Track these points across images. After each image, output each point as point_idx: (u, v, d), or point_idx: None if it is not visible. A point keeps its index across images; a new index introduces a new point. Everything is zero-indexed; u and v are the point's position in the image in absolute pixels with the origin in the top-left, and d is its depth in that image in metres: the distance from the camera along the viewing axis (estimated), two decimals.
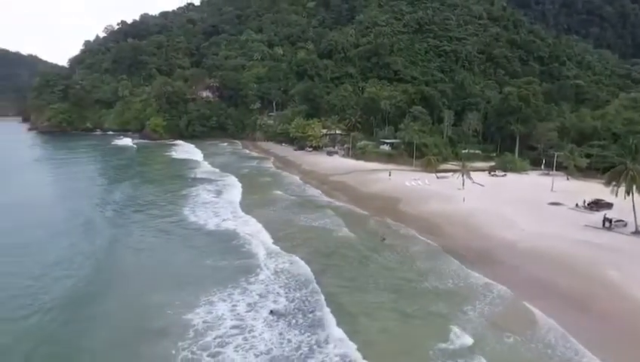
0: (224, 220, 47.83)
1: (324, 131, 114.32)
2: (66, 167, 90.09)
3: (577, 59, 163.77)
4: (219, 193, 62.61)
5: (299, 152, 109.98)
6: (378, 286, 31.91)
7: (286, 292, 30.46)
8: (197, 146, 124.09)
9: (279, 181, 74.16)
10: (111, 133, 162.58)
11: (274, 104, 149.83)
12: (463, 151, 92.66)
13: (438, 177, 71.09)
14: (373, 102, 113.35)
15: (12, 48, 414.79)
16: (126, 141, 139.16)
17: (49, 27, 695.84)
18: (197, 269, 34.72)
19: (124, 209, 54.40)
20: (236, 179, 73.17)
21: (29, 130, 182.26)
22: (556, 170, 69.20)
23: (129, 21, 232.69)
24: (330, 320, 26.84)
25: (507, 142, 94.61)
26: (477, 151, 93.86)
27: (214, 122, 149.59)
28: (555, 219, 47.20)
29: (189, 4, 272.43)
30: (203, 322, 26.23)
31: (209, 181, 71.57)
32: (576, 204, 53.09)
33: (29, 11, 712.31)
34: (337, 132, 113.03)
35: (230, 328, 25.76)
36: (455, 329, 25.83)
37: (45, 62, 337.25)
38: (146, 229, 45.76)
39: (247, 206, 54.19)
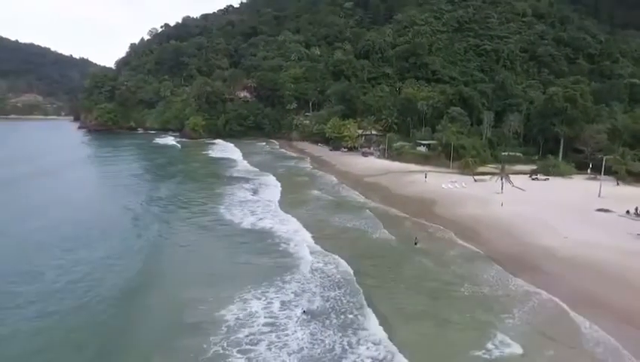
0: (261, 219, 48.16)
1: (360, 132, 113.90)
2: (113, 165, 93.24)
3: (635, 55, 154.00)
4: (257, 191, 63.49)
5: (334, 152, 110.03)
6: (416, 288, 31.34)
7: (321, 292, 30.38)
8: (235, 145, 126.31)
9: (316, 181, 74.41)
10: (153, 131, 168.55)
11: (310, 104, 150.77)
12: (503, 153, 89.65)
13: (475, 180, 69.00)
14: (410, 102, 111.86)
15: (65, 52, 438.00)
16: (168, 140, 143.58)
17: (99, 31, 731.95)
18: (234, 266, 35.28)
19: (168, 205, 55.60)
20: (274, 178, 74.12)
21: (79, 128, 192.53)
22: (605, 174, 65.45)
23: (172, 24, 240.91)
24: (368, 320, 26.60)
25: (550, 145, 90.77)
26: (517, 154, 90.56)
27: (251, 122, 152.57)
28: (603, 226, 44.46)
29: (229, 6, 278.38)
30: (236, 319, 26.54)
31: (248, 180, 72.45)
32: (627, 211, 50.09)
33: (80, 16, 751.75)
34: (373, 132, 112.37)
35: (262, 325, 26.01)
36: (501, 336, 24.93)
37: (95, 64, 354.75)
38: (188, 226, 46.70)
39: (286, 205, 54.68)
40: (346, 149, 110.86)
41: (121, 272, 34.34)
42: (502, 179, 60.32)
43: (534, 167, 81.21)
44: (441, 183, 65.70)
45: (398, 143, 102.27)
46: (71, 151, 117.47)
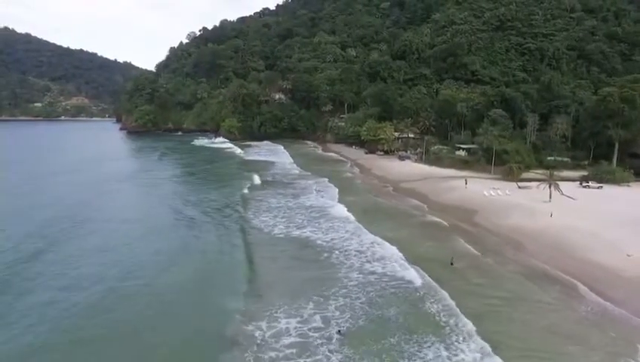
0: (300, 228, 46.93)
1: (397, 134, 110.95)
2: (170, 169, 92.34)
3: None
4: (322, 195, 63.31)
5: (369, 156, 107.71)
6: (465, 313, 28.52)
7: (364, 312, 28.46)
8: (275, 148, 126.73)
9: (355, 185, 72.82)
10: (197, 133, 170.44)
11: (345, 106, 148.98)
12: (549, 158, 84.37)
13: (519, 187, 64.82)
14: (449, 104, 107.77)
15: (111, 57, 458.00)
16: (224, 143, 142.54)
17: (142, 36, 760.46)
18: (279, 275, 34.41)
19: (225, 208, 55.38)
20: (327, 179, 74.67)
21: (120, 129, 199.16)
22: None
23: (210, 27, 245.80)
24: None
25: (602, 150, 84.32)
26: (565, 159, 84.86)
27: (286, 123, 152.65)
28: None
29: (265, 8, 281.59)
30: (268, 335, 25.46)
31: (301, 184, 71.88)
32: None
33: (125, 22, 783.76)
34: (410, 135, 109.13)
35: (289, 346, 24.59)
36: None
37: (137, 67, 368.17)
38: (235, 231, 46.05)
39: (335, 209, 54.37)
40: (381, 152, 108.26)
41: (161, 276, 34.72)
42: (550, 187, 55.99)
43: (584, 173, 75.64)
44: (482, 190, 61.83)
45: (436, 147, 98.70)
46: (123, 165, 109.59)
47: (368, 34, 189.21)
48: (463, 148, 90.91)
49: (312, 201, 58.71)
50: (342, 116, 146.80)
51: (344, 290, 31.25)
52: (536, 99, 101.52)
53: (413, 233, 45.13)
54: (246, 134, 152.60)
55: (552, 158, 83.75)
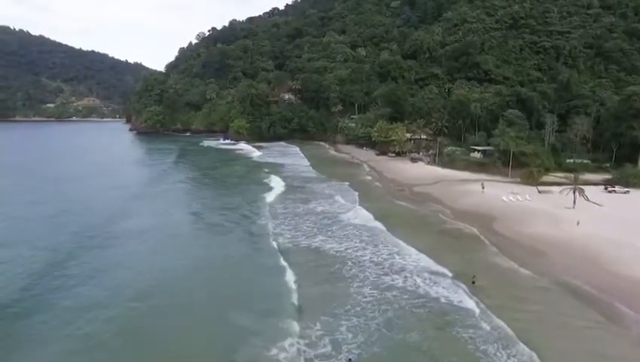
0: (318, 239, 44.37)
1: (409, 136, 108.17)
2: (188, 174, 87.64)
3: None
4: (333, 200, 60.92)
5: (381, 157, 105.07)
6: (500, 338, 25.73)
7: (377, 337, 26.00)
8: (288, 150, 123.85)
9: (375, 190, 70.26)
10: (205, 133, 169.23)
11: (356, 106, 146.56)
12: (568, 160, 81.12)
13: (540, 191, 61.80)
14: (462, 104, 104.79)
15: (121, 58, 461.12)
16: (234, 145, 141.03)
17: (152, 37, 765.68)
18: (300, 291, 31.89)
19: (251, 217, 52.62)
20: (347, 183, 72.01)
21: (130, 130, 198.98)
22: None
23: (219, 28, 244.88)
24: None
25: (625, 151, 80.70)
26: (585, 161, 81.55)
27: (295, 124, 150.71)
28: None
29: (274, 8, 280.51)
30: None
31: (322, 189, 68.82)
32: None
33: (135, 23, 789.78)
34: (422, 137, 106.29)
35: None
36: None
37: (147, 68, 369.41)
38: (263, 241, 43.60)
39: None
40: (393, 154, 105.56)
41: (177, 288, 33.21)
42: (574, 192, 52.86)
43: (607, 176, 72.30)
44: (500, 195, 59.03)
45: (449, 148, 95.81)
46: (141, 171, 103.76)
47: (378, 33, 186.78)
48: (478, 150, 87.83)
49: (336, 208, 55.75)
50: (352, 117, 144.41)
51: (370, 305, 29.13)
52: (553, 99, 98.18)
53: (432, 242, 42.44)
54: (255, 135, 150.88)
55: (572, 161, 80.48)
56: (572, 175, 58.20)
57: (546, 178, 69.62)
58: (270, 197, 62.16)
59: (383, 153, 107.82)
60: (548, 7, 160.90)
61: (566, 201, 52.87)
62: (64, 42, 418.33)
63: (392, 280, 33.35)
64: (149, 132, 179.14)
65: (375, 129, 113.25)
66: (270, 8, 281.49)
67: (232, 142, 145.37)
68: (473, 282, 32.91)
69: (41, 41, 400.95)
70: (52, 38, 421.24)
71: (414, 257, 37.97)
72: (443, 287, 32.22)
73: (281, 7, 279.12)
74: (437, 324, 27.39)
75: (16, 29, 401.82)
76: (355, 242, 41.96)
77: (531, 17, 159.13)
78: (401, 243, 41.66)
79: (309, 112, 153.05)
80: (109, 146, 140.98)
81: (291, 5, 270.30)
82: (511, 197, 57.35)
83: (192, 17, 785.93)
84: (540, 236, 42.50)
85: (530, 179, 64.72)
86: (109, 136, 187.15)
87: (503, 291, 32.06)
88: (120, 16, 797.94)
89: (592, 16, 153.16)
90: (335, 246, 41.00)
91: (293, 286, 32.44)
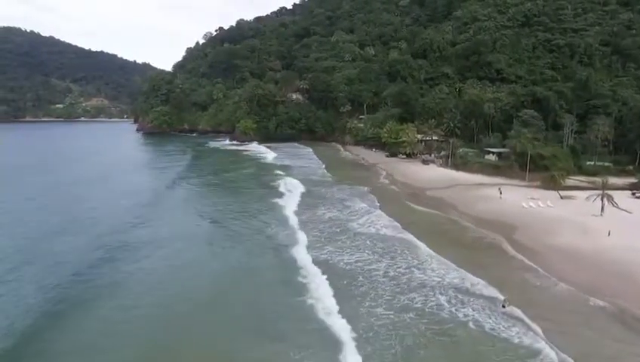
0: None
1: (419, 137, 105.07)
2: (203, 179, 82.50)
3: None
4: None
5: (391, 159, 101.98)
6: None
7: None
8: (300, 152, 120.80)
9: (395, 195, 66.78)
10: (212, 134, 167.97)
11: (365, 106, 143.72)
12: (588, 163, 77.62)
13: (562, 197, 58.64)
14: (475, 105, 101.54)
15: (130, 58, 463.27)
16: (246, 146, 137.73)
17: (161, 37, 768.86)
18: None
19: (275, 225, 49.24)
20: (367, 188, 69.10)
21: (137, 130, 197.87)
22: None
23: (227, 27, 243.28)
24: None
25: None
26: (606, 164, 77.94)
27: (303, 125, 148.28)
28: None
29: (282, 8, 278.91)
30: None
31: (342, 195, 64.68)
32: None
33: (144, 24, 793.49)
34: (434, 138, 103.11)
35: None
36: None
37: (155, 68, 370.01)
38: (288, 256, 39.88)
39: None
40: (404, 156, 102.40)
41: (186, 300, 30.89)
42: (602, 199, 49.40)
43: (632, 180, 68.59)
44: (519, 200, 55.82)
45: (461, 150, 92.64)
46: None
47: (387, 32, 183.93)
48: (493, 152, 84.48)
49: (362, 216, 52.42)
50: (361, 117, 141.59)
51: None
52: (571, 98, 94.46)
53: (452, 253, 39.21)
54: (262, 135, 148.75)
55: (592, 163, 76.98)
56: (598, 179, 54.74)
57: (566, 182, 66.11)
58: (292, 203, 58.46)
59: (393, 155, 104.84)
60: (562, 3, 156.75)
61: (591, 208, 49.43)
62: (74, 43, 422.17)
63: (410, 299, 30.25)
64: (155, 132, 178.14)
65: (385, 130, 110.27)
66: (278, 8, 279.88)
67: (238, 143, 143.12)
68: (504, 306, 29.26)
69: (52, 41, 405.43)
70: (62, 39, 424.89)
71: (438, 272, 34.73)
72: (472, 309, 28.76)
73: (289, 6, 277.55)
74: (467, 357, 24.14)
75: (27, 31, 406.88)
76: (368, 254, 39.23)
77: (544, 15, 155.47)
78: (421, 254, 38.88)
79: (316, 112, 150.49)
80: (115, 148, 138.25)
81: (299, 4, 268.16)
82: (531, 203, 54.09)
83: (200, 17, 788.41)
84: (569, 248, 39.14)
85: (552, 184, 61.21)
86: (116, 136, 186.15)
87: (539, 314, 28.35)
88: (128, 17, 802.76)
89: (608, 13, 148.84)
90: (346, 257, 38.37)
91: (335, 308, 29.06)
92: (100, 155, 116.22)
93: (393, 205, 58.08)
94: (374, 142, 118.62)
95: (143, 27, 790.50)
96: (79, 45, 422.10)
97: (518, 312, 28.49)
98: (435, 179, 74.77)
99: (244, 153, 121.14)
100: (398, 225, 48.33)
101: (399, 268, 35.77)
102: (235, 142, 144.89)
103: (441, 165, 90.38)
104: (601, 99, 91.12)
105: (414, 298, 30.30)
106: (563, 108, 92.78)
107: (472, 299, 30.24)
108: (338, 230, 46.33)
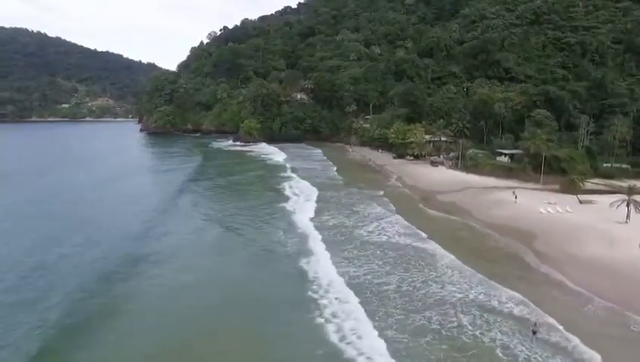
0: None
1: (427, 137, 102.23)
2: (214, 186, 75.67)
3: None
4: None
5: (398, 161, 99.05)
6: None
7: None
8: (309, 153, 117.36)
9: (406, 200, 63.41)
10: (216, 134, 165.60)
11: (370, 106, 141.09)
12: (605, 165, 74.58)
13: (581, 201, 55.73)
14: (485, 104, 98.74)
15: (135, 58, 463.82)
16: (252, 146, 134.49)
17: (166, 37, 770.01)
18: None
19: (296, 235, 45.34)
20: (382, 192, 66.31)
21: (141, 130, 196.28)
22: None
23: (231, 27, 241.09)
24: None
25: None
26: (624, 166, 74.90)
27: (308, 125, 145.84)
28: None
29: (287, 7, 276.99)
30: None
31: (360, 201, 61.18)
32: None
33: (150, 24, 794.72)
34: (442, 139, 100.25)
35: None
36: None
37: (160, 68, 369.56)
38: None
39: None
40: (411, 157, 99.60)
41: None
42: (629, 206, 46.27)
43: None
44: (535, 205, 52.84)
45: (471, 151, 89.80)
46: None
47: (393, 31, 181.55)
48: (505, 154, 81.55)
49: (372, 222, 49.46)
50: (366, 117, 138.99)
51: None
52: (585, 98, 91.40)
53: (472, 264, 36.39)
54: (266, 136, 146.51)
55: (609, 165, 73.96)
56: (616, 182, 51.81)
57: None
58: (308, 209, 54.86)
59: (401, 156, 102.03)
60: (572, 1, 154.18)
61: (614, 214, 46.32)
62: (80, 43, 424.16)
63: (426, 319, 27.25)
64: (159, 132, 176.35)
65: (392, 130, 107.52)
66: (283, 7, 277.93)
67: (243, 143, 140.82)
68: (534, 332, 25.14)
69: (58, 42, 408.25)
70: (68, 39, 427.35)
71: (458, 286, 31.62)
72: (500, 332, 25.45)
73: (294, 5, 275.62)
74: None
75: (34, 31, 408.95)
76: (377, 265, 36.54)
77: (554, 12, 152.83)
78: (439, 265, 36.12)
79: (321, 112, 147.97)
80: (115, 150, 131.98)
81: (304, 3, 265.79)
82: (549, 209, 51.09)
83: (205, 18, 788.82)
84: (596, 260, 35.83)
85: (572, 188, 57.96)
86: (117, 137, 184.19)
87: (582, 338, 24.58)
88: (134, 18, 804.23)
89: (620, 10, 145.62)
90: (352, 269, 35.65)
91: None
92: (99, 159, 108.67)
93: (408, 210, 55.23)
94: (380, 143, 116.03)
95: (148, 27, 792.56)
96: (85, 45, 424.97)
97: (556, 337, 25.07)
98: (446, 182, 71.87)
99: (251, 154, 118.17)
100: (417, 231, 45.57)
101: (414, 281, 32.86)
102: (238, 143, 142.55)
103: (450, 167, 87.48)
104: (617, 99, 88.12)
105: (431, 317, 27.32)
106: (577, 108, 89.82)
107: (499, 320, 27.00)
108: (343, 238, 43.85)
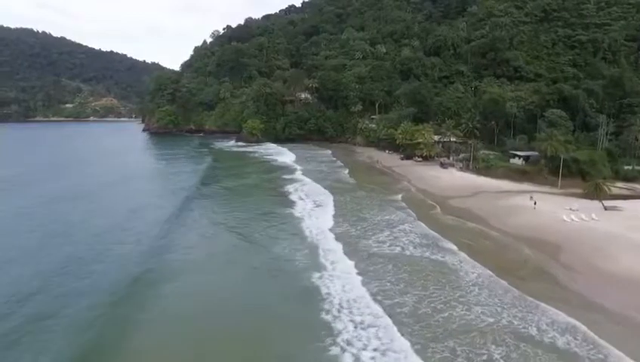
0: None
1: (436, 138, 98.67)
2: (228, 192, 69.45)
3: None
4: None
5: (406, 162, 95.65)
6: None
7: None
8: (317, 154, 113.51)
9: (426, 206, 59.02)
10: (218, 134, 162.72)
11: (376, 106, 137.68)
12: (626, 167, 70.86)
13: (605, 208, 52.10)
14: (497, 104, 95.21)
15: (140, 58, 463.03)
16: (256, 147, 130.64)
17: (171, 37, 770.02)
18: None
19: (317, 247, 41.52)
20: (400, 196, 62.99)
21: (143, 130, 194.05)
22: None
23: (234, 25, 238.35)
24: None
25: None
26: None
27: (312, 125, 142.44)
28: None
29: (291, 6, 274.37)
30: None
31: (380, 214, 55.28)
32: None
33: (154, 24, 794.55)
34: (452, 139, 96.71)
35: None
36: None
37: (164, 68, 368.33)
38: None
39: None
40: (420, 159, 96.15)
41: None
42: None
43: None
44: (557, 212, 49.31)
45: (481, 152, 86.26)
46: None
47: (399, 29, 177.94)
48: (520, 156, 77.91)
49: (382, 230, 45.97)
50: (372, 117, 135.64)
51: None
52: (601, 97, 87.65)
53: (504, 281, 32.84)
54: (269, 136, 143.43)
55: (630, 168, 70.24)
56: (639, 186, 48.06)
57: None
58: (327, 219, 50.43)
59: (409, 157, 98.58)
60: None
61: None
62: (84, 43, 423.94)
63: (450, 350, 23.51)
64: (161, 132, 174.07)
65: (399, 130, 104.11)
66: (287, 6, 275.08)
67: (245, 143, 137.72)
68: None
69: (63, 42, 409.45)
70: (73, 39, 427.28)
71: (489, 308, 27.92)
72: None
73: (298, 4, 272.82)
74: None
75: (39, 32, 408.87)
76: (390, 282, 33.23)
77: (564, 9, 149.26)
78: (462, 281, 32.67)
79: (326, 112, 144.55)
80: (115, 152, 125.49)
81: (308, 2, 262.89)
82: (572, 216, 47.45)
83: (210, 17, 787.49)
84: (635, 276, 32.10)
85: (597, 193, 54.15)
86: (119, 137, 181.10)
87: None
88: (139, 18, 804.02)
89: (634, 6, 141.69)
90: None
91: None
92: (94, 164, 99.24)
93: (425, 217, 51.80)
94: (387, 144, 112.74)
95: (153, 27, 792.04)
96: (90, 45, 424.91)
97: None
98: (457, 186, 68.43)
99: (255, 155, 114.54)
100: (434, 241, 42.28)
101: (433, 301, 29.14)
102: (241, 143, 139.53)
103: (460, 169, 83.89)
104: (636, 97, 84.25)
105: (454, 348, 23.52)
106: (593, 108, 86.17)
107: (540, 353, 22.96)
108: (350, 249, 40.42)
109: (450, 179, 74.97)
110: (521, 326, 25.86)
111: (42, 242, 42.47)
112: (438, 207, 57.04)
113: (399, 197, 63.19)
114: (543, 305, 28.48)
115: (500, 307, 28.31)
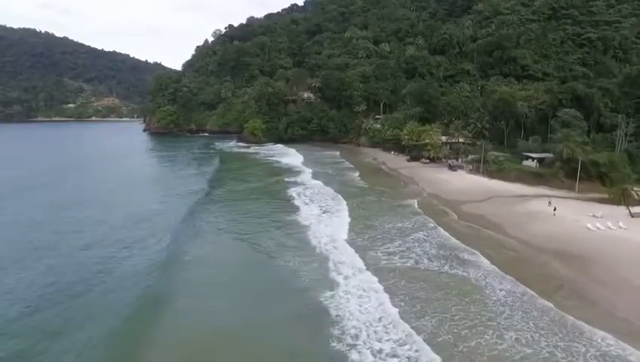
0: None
1: (444, 139, 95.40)
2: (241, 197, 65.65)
3: None
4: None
5: (413, 164, 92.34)
6: None
7: None
8: (322, 155, 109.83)
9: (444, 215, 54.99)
10: (219, 134, 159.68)
11: (381, 105, 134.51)
12: None
13: (632, 215, 48.61)
14: (507, 104, 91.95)
15: (142, 58, 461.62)
16: (257, 148, 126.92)
17: (173, 37, 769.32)
18: None
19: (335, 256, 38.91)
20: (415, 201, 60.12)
21: (144, 130, 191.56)
22: None
23: (236, 25, 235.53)
24: None
25: None
26: None
27: (315, 125, 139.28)
28: None
29: (293, 4, 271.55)
30: None
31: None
32: None
33: (156, 24, 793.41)
34: (460, 140, 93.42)
35: None
36: None
37: (166, 68, 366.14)
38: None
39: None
40: (427, 160, 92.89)
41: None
42: None
43: None
44: (579, 219, 46.05)
45: (490, 153, 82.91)
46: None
47: (403, 28, 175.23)
48: (533, 158, 74.57)
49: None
50: (377, 117, 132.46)
51: None
52: (617, 96, 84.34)
53: (538, 303, 29.36)
54: (271, 137, 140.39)
55: None
56: None
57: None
58: (343, 228, 47.21)
59: (415, 159, 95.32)
60: None
61: None
62: (87, 43, 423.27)
63: None
64: (162, 132, 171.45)
65: (405, 131, 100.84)
66: (289, 4, 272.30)
67: (247, 144, 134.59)
68: None
69: (65, 42, 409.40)
70: (75, 39, 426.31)
71: (525, 335, 24.43)
72: None
73: (300, 2, 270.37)
74: None
75: (42, 32, 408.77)
76: (404, 301, 30.16)
77: (573, 7, 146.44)
78: (488, 300, 29.50)
79: (329, 112, 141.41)
80: (115, 154, 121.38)
81: (310, 1, 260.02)
82: (598, 225, 44.07)
83: (212, 17, 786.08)
84: None
85: (623, 199, 50.40)
86: (119, 138, 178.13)
87: None
88: (141, 17, 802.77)
89: None
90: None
91: None
92: (97, 169, 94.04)
93: (441, 224, 48.64)
94: (392, 145, 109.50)
95: (155, 27, 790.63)
96: (92, 45, 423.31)
97: None
98: (469, 190, 65.14)
99: (257, 156, 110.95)
100: (451, 251, 39.29)
101: (457, 324, 25.66)
102: (242, 144, 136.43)
103: (470, 171, 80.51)
104: None
105: None
106: (608, 107, 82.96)
107: None
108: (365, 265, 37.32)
109: (461, 182, 71.67)
110: (566, 361, 22.55)
111: (50, 252, 40.09)
112: (452, 212, 53.78)
113: (414, 202, 59.94)
114: (586, 331, 25.13)
115: (536, 333, 24.95)
